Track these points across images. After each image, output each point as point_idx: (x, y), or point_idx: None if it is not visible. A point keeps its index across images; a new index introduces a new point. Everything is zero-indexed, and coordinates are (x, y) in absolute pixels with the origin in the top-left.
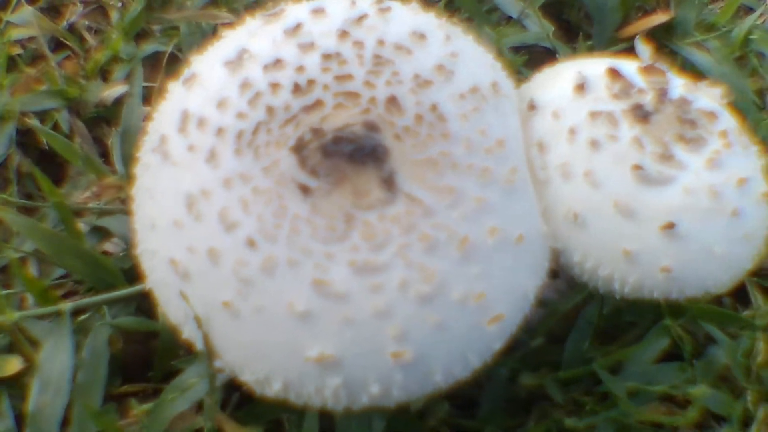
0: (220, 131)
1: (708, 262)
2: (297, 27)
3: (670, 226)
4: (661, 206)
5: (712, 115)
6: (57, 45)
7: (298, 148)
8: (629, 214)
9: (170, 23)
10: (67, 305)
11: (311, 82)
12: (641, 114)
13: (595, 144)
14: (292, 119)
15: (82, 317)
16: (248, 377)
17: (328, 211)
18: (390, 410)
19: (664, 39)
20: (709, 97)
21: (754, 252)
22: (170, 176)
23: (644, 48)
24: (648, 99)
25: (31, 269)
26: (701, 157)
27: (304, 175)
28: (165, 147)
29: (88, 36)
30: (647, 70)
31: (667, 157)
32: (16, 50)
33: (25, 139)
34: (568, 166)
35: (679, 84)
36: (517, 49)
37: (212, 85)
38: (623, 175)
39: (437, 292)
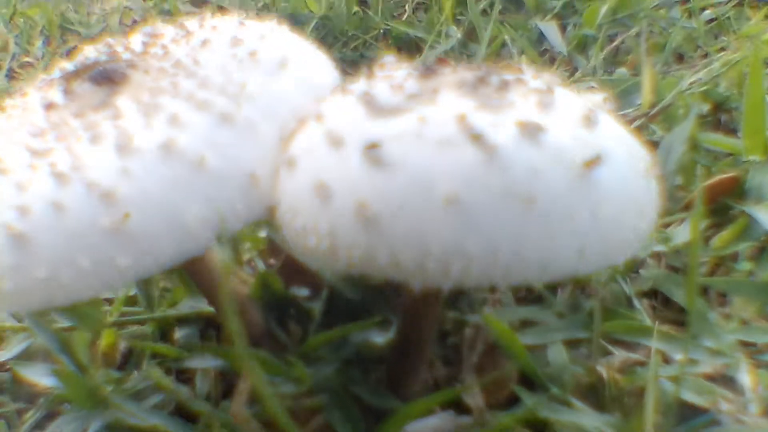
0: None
1: (429, 211)
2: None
3: (374, 146)
4: (375, 130)
5: (548, 90)
6: None
7: (68, 78)
8: (337, 143)
9: None
10: None
11: (127, 48)
12: (425, 71)
13: (347, 91)
14: (94, 65)
15: None
16: None
17: (53, 117)
18: None
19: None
20: (590, 102)
21: (554, 238)
22: None
23: None
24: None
25: None
26: (474, 100)
27: (61, 95)
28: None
29: None
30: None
31: (425, 95)
32: None
33: None
34: (311, 117)
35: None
36: None
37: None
38: (354, 107)
39: (72, 174)
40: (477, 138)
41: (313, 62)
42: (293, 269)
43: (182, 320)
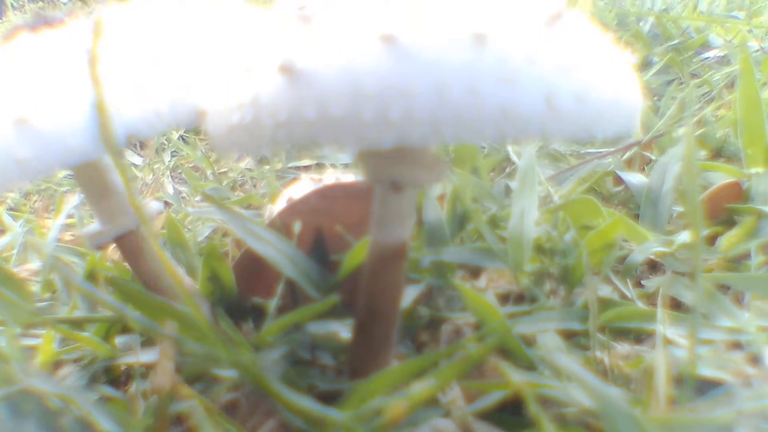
0: None
1: (364, 52)
2: None
3: (302, 7)
4: None
5: None
6: None
7: (9, 35)
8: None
9: None
10: None
11: None
12: None
13: None
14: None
15: None
16: None
17: None
18: None
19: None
20: None
21: (514, 81)
22: None
23: None
24: None
25: None
26: None
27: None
28: None
29: None
30: None
31: None
32: None
33: None
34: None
35: None
36: None
37: None
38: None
39: None
40: None
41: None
42: (250, 270)
43: (126, 330)
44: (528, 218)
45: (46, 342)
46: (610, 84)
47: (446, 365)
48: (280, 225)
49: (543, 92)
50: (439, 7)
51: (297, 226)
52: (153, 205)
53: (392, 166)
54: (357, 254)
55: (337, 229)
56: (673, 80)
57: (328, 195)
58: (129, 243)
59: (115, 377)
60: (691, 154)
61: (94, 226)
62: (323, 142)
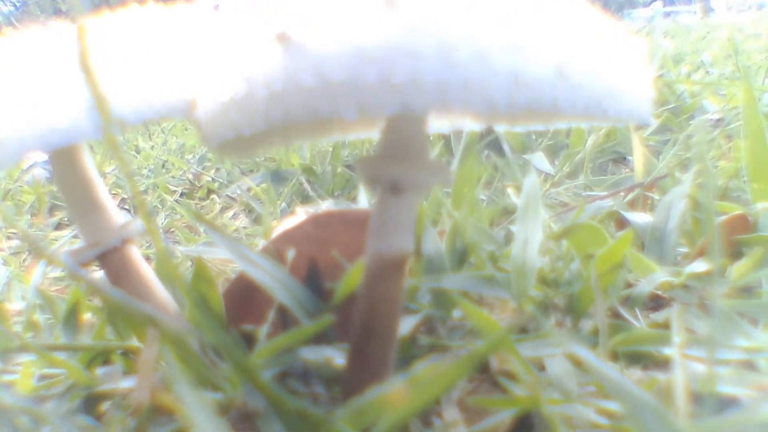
0: None
1: (365, 14)
2: None
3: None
4: None
5: None
6: None
7: None
8: None
9: None
10: None
11: None
12: None
13: None
14: None
15: None
16: None
17: None
18: None
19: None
20: None
21: (523, 47)
22: None
23: None
24: None
25: None
26: None
27: None
28: None
29: None
30: None
31: None
32: None
33: None
34: None
35: None
36: None
37: None
38: None
39: None
40: None
41: None
42: (240, 299)
43: (107, 361)
44: (532, 245)
45: (24, 376)
46: (621, 61)
47: (452, 362)
48: (273, 252)
49: (553, 60)
50: None
51: (290, 254)
52: (139, 222)
53: (392, 166)
54: (353, 278)
55: (333, 255)
56: (669, 140)
57: (324, 223)
58: (113, 261)
59: (95, 413)
60: (707, 169)
61: (77, 244)
62: (321, 111)
